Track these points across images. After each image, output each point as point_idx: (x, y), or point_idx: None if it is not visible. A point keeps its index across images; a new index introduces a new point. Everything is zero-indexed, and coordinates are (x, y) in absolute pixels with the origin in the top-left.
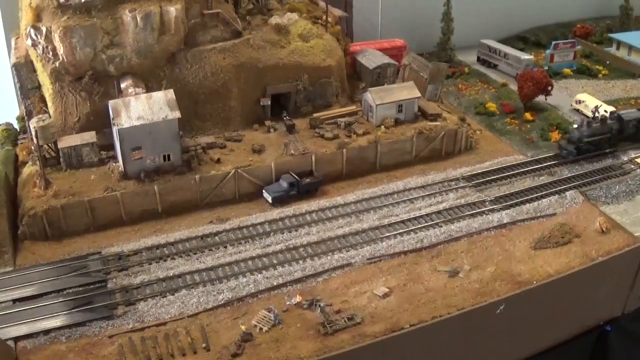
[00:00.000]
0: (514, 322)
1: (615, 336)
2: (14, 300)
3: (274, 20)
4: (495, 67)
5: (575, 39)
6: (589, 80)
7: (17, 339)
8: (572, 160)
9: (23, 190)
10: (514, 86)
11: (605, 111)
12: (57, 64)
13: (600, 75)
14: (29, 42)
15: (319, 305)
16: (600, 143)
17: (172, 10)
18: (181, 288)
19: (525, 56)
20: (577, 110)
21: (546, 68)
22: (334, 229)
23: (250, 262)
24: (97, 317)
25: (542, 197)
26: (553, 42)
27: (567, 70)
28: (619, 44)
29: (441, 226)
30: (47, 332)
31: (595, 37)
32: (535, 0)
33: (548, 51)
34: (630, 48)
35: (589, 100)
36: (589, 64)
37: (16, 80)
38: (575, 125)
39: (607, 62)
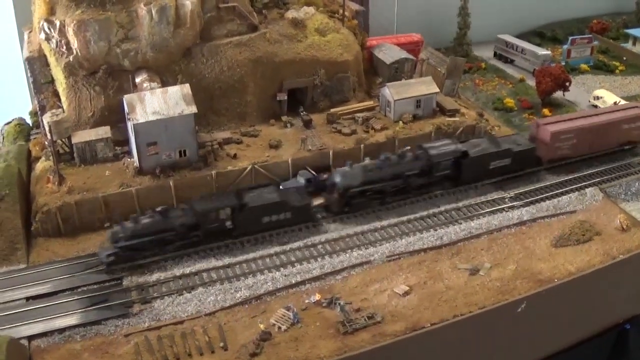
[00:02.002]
0: (535, 320)
1: (635, 334)
2: (28, 298)
3: (291, 14)
4: (512, 62)
5: (592, 34)
6: (606, 76)
7: (30, 338)
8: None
9: (36, 186)
10: (531, 82)
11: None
12: (70, 58)
13: (617, 71)
14: (42, 36)
15: (339, 304)
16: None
17: (188, 4)
18: (198, 286)
19: (543, 51)
20: (595, 106)
21: (563, 64)
22: (353, 226)
23: (268, 260)
24: (113, 315)
25: (561, 194)
26: (570, 38)
27: (584, 66)
28: (635, 39)
29: (461, 223)
30: (61, 330)
31: (612, 33)
32: None
33: (565, 46)
34: None
35: (607, 96)
36: (606, 59)
37: (29, 75)
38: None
39: (624, 58)
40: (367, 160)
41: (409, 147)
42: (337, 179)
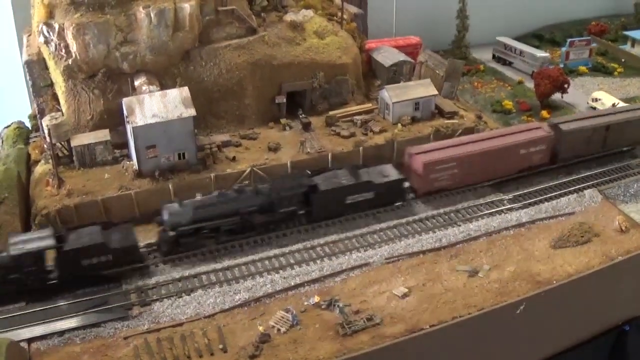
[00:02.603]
0: (534, 322)
1: (634, 336)
2: (27, 301)
3: (289, 17)
4: (510, 64)
5: (591, 36)
6: (605, 78)
7: (30, 340)
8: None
9: (35, 189)
10: (529, 84)
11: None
12: (69, 61)
13: (615, 73)
14: (41, 39)
15: (338, 306)
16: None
17: (187, 7)
18: (197, 288)
19: (541, 54)
20: (594, 108)
21: (562, 66)
22: (352, 228)
23: (267, 262)
24: (112, 317)
25: (560, 195)
26: (568, 40)
27: (582, 68)
28: (634, 41)
29: (459, 225)
30: (61, 333)
31: (610, 35)
32: None
33: (564, 49)
34: None
35: (606, 98)
36: (605, 61)
37: (28, 78)
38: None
39: (623, 60)
40: (199, 196)
41: (247, 182)
42: (165, 216)
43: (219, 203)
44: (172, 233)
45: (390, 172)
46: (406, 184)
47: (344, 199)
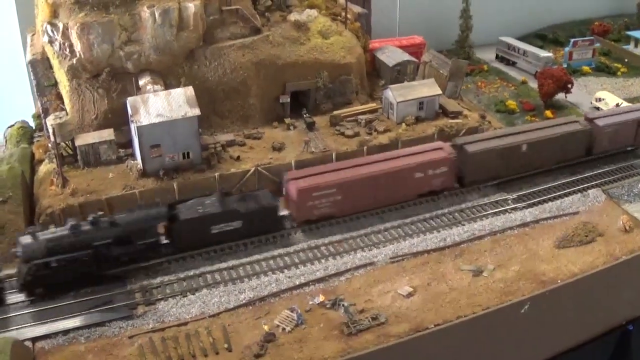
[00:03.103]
0: (538, 321)
1: (638, 335)
2: (32, 300)
3: (293, 16)
4: (514, 64)
5: (594, 36)
6: (608, 78)
7: (35, 340)
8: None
9: (40, 188)
10: (533, 84)
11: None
12: (74, 60)
13: (618, 73)
14: (46, 38)
15: (343, 305)
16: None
17: (191, 7)
18: (202, 287)
19: (545, 54)
20: (597, 108)
21: (565, 66)
22: (356, 228)
23: (271, 261)
24: (117, 317)
25: (564, 195)
26: (572, 40)
27: (585, 68)
28: (637, 41)
29: (464, 225)
30: (65, 332)
31: (613, 35)
32: None
33: (567, 49)
34: None
35: (609, 98)
36: (608, 61)
37: (32, 78)
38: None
39: (626, 60)
40: (53, 228)
41: (101, 212)
42: (19, 249)
43: (73, 235)
44: (28, 266)
45: (265, 199)
46: (285, 212)
47: (208, 229)
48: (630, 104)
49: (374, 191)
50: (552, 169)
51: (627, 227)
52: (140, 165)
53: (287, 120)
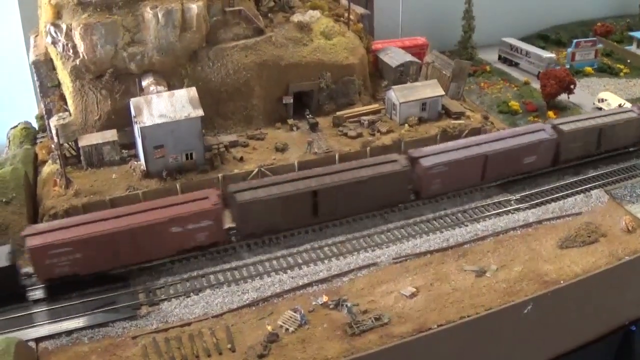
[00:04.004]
0: (541, 322)
1: None
2: (35, 301)
3: (296, 17)
4: (516, 65)
5: (596, 37)
6: (611, 78)
7: (38, 340)
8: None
9: (43, 189)
10: (536, 84)
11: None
12: (77, 61)
13: (621, 74)
14: (49, 39)
15: (346, 305)
16: None
17: (194, 7)
18: (205, 288)
19: (547, 54)
20: (600, 109)
21: (568, 66)
22: (359, 229)
23: (275, 262)
24: (120, 317)
25: (567, 196)
26: (574, 41)
27: (588, 69)
28: (639, 42)
29: (467, 225)
30: (69, 332)
31: (616, 36)
32: None
33: (569, 49)
34: None
35: (612, 99)
36: (610, 62)
37: (35, 79)
38: None
39: (628, 61)
40: None
41: None
42: None
43: None
44: None
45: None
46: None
47: None
48: (469, 139)
49: (120, 249)
50: (553, 170)
51: (630, 228)
52: (143, 166)
53: (290, 121)
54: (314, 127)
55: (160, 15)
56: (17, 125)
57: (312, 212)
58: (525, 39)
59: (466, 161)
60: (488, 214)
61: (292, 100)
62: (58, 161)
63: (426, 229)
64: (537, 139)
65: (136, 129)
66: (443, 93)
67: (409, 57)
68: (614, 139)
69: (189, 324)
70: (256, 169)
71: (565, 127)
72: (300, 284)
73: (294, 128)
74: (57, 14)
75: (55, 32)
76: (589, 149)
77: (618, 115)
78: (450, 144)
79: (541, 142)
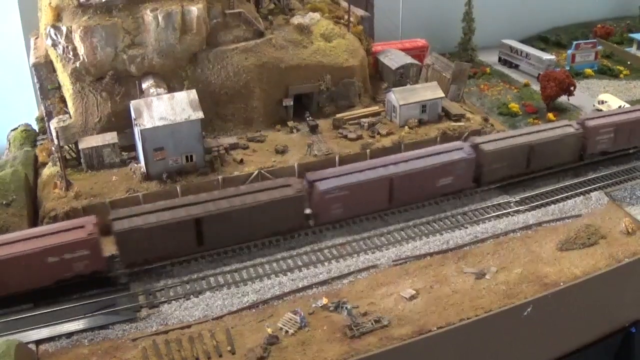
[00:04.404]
0: (541, 324)
1: None
2: (35, 303)
3: (296, 20)
4: (516, 67)
5: (596, 39)
6: (610, 80)
7: (38, 342)
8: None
9: (43, 191)
10: (535, 86)
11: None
12: (77, 64)
13: (621, 76)
14: (49, 42)
15: (346, 308)
16: None
17: (194, 10)
18: (205, 290)
19: (547, 56)
20: (600, 111)
21: (568, 68)
22: (359, 231)
23: (275, 264)
24: (120, 319)
25: (567, 198)
26: (574, 42)
27: (588, 71)
28: (639, 44)
29: (467, 227)
30: (69, 335)
31: (616, 37)
32: (556, 0)
33: (569, 51)
34: None
35: (612, 101)
36: (610, 64)
37: (35, 81)
38: None
39: (629, 63)
40: None
41: None
42: None
43: None
44: None
45: None
46: None
47: None
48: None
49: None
50: (554, 172)
51: (630, 230)
52: (143, 169)
53: (290, 123)
54: (314, 130)
55: (160, 18)
56: (17, 127)
57: (196, 241)
58: (525, 41)
59: (369, 184)
60: (488, 216)
61: (292, 103)
62: (58, 163)
63: (426, 231)
64: (452, 159)
65: (136, 132)
66: (443, 95)
67: (409, 59)
68: (547, 157)
69: (189, 326)
70: (256, 172)
71: (486, 147)
72: (300, 286)
73: (294, 130)
74: (57, 16)
75: (56, 35)
76: (517, 168)
77: (552, 131)
78: (356, 165)
79: (457, 162)
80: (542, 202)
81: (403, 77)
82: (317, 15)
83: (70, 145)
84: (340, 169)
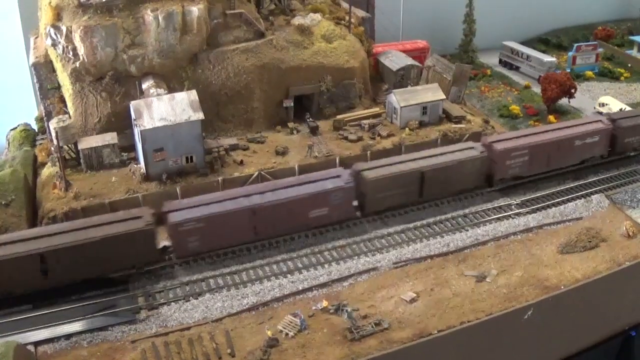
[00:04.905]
0: (541, 327)
1: None
2: (34, 304)
3: (297, 20)
4: (517, 69)
5: (597, 41)
6: (611, 82)
7: (37, 344)
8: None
9: (42, 191)
10: (536, 88)
11: None
12: (77, 64)
13: (622, 78)
14: (49, 41)
15: (346, 310)
16: None
17: (195, 10)
18: (205, 292)
19: (548, 58)
20: (601, 113)
21: (568, 70)
22: (360, 233)
23: (274, 266)
24: (120, 321)
25: (567, 201)
26: (575, 45)
27: (589, 73)
28: None
29: (467, 230)
30: (68, 336)
31: (617, 40)
32: (557, 3)
33: (570, 53)
34: None
35: (613, 103)
36: (611, 66)
37: (35, 81)
38: None
39: (629, 65)
40: None
41: None
42: None
43: None
44: None
45: None
46: None
47: None
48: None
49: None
50: (558, 174)
51: (631, 233)
52: (143, 169)
53: (291, 125)
54: (314, 131)
55: (160, 18)
56: (17, 127)
57: (41, 276)
58: (526, 43)
59: (229, 216)
60: (488, 218)
61: (292, 104)
62: (57, 163)
63: (426, 234)
64: (326, 188)
65: (136, 132)
66: (444, 97)
67: (409, 61)
68: (444, 183)
69: (188, 329)
70: (256, 173)
71: (368, 174)
72: (300, 288)
73: (295, 131)
74: (57, 16)
75: (55, 34)
76: (407, 196)
77: (450, 156)
78: (216, 195)
79: (332, 191)
80: (543, 204)
81: (404, 78)
82: (317, 16)
83: (69, 146)
84: (199, 199)
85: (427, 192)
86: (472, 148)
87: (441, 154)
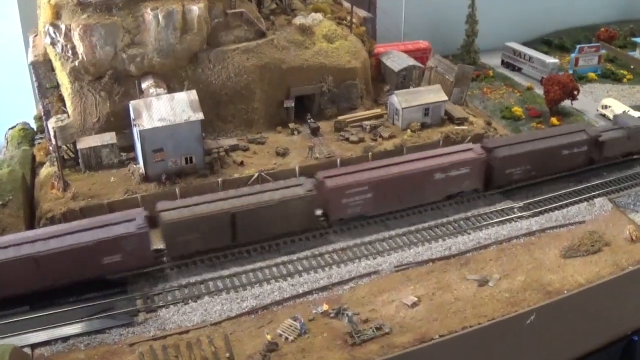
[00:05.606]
0: (544, 332)
1: None
2: (31, 306)
3: (298, 20)
4: (519, 70)
5: (600, 42)
6: (614, 84)
7: (34, 346)
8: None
9: (40, 191)
10: (539, 90)
11: None
12: (76, 62)
13: (624, 80)
14: (48, 40)
15: (347, 314)
16: None
17: (195, 9)
18: (204, 295)
19: (551, 60)
20: (603, 116)
21: (571, 72)
22: (360, 236)
23: (274, 269)
24: (117, 324)
25: (570, 204)
26: (578, 46)
27: (591, 75)
28: None
29: (469, 233)
30: (65, 339)
31: (619, 41)
32: (559, 4)
33: (573, 55)
34: None
35: (615, 105)
36: (614, 68)
37: (34, 79)
38: None
39: (632, 67)
40: None
41: None
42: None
43: None
44: None
45: None
46: None
47: None
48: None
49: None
50: (561, 177)
51: (634, 237)
52: (142, 170)
53: (291, 125)
54: (315, 132)
55: (160, 17)
56: (15, 126)
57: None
58: (529, 44)
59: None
60: (491, 221)
61: (293, 104)
62: (56, 163)
63: (428, 237)
64: (118, 233)
65: (135, 132)
66: (446, 98)
67: (411, 62)
68: (263, 225)
69: (187, 332)
70: (256, 174)
71: (167, 215)
72: (300, 291)
73: (295, 132)
74: (57, 14)
75: (54, 33)
76: (217, 241)
77: (270, 194)
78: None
79: (123, 238)
80: (546, 208)
81: (406, 79)
82: (319, 15)
83: (68, 145)
84: None
85: (243, 235)
86: (299, 186)
87: (260, 192)
